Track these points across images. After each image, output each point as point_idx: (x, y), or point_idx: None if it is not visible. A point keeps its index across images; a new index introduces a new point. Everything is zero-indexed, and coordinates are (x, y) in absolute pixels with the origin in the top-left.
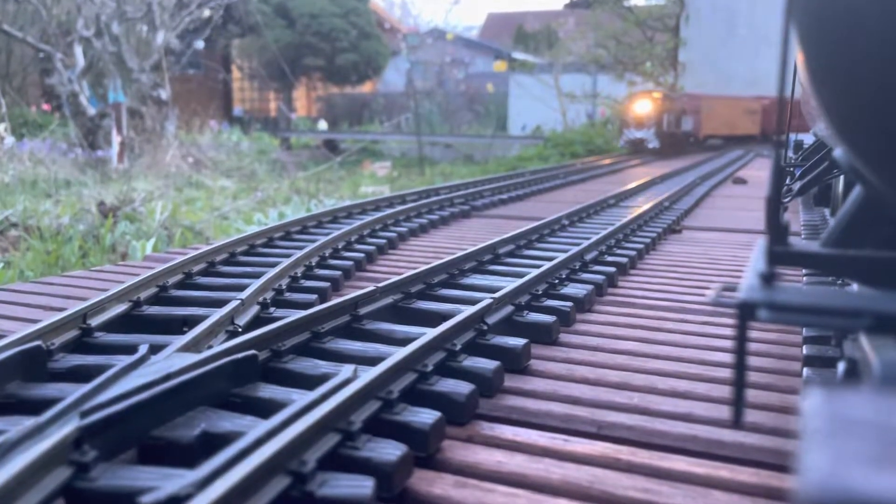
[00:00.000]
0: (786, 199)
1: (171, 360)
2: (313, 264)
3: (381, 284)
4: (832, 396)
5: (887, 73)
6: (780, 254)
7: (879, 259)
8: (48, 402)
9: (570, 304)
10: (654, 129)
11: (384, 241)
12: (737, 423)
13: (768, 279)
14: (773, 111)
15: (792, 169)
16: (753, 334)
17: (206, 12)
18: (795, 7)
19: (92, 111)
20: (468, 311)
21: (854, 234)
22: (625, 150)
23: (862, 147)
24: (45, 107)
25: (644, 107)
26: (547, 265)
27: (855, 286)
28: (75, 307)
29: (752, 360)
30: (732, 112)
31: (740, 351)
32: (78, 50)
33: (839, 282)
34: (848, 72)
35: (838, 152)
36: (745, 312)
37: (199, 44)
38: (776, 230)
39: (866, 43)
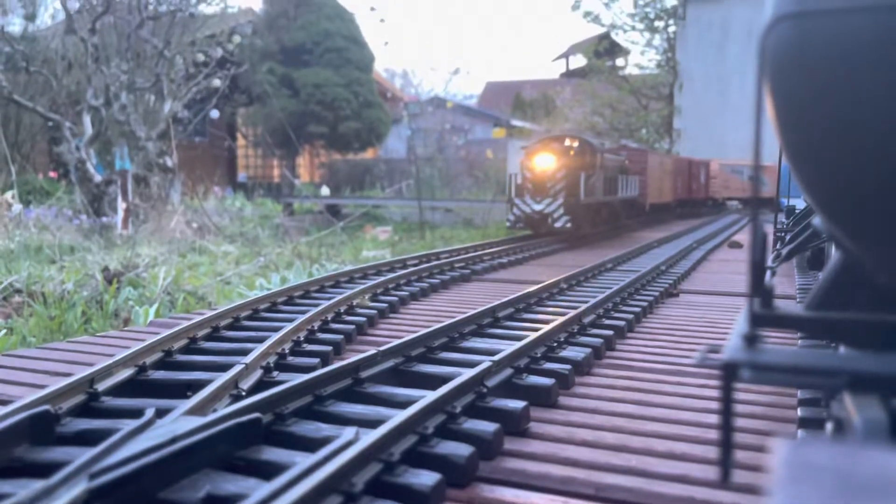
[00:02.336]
0: (774, 264)
1: (177, 423)
2: (315, 328)
3: (382, 348)
4: (797, 446)
5: (857, 148)
6: (762, 316)
7: (858, 321)
8: (56, 466)
9: (568, 366)
10: (562, 197)
11: (385, 304)
12: (724, 482)
13: (751, 341)
14: (683, 174)
15: (783, 234)
16: (749, 396)
17: (214, 82)
18: (769, 87)
19: (98, 178)
20: (468, 373)
21: (835, 296)
22: (514, 232)
23: (837, 215)
24: (52, 174)
25: (547, 162)
26: (545, 328)
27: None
28: (82, 372)
29: (748, 422)
30: (665, 174)
31: (726, 411)
32: (86, 119)
33: (832, 344)
34: (820, 147)
35: (817, 220)
36: (729, 373)
37: (214, 113)
38: (759, 293)
39: (836, 120)
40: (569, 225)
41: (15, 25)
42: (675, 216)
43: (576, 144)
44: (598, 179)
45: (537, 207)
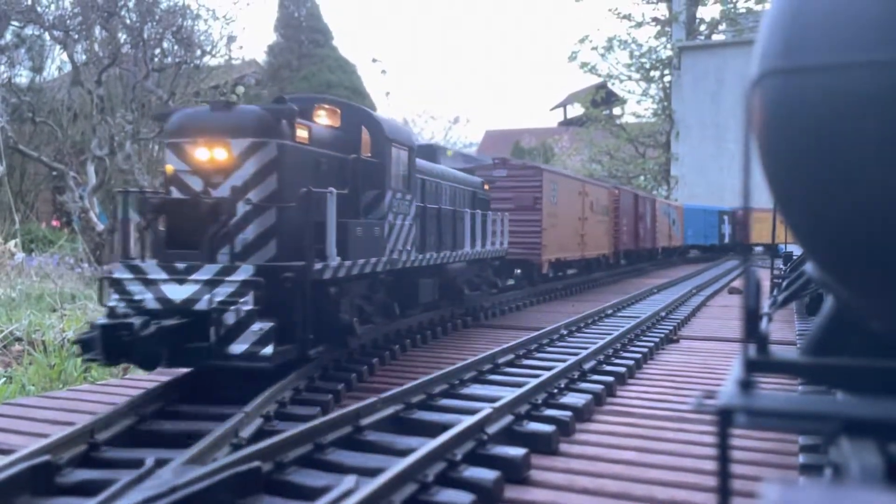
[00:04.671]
0: (770, 310)
1: (177, 472)
2: (315, 377)
3: (382, 395)
4: (784, 490)
5: (846, 199)
6: (757, 362)
7: (852, 366)
8: None
9: (569, 413)
10: (255, 262)
11: (386, 352)
12: None
13: (746, 386)
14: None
15: (780, 280)
16: (751, 443)
17: None
18: (757, 140)
19: (101, 227)
20: (468, 421)
21: (829, 342)
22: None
23: (828, 263)
24: (55, 223)
25: (216, 160)
26: (546, 375)
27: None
28: (83, 421)
29: (750, 469)
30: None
31: (723, 456)
32: (90, 168)
33: (832, 389)
34: (808, 197)
35: (808, 266)
36: (725, 418)
37: None
38: (754, 339)
39: (823, 173)
40: (268, 352)
41: (22, 77)
42: (612, 278)
43: (325, 120)
44: (401, 216)
45: (176, 294)
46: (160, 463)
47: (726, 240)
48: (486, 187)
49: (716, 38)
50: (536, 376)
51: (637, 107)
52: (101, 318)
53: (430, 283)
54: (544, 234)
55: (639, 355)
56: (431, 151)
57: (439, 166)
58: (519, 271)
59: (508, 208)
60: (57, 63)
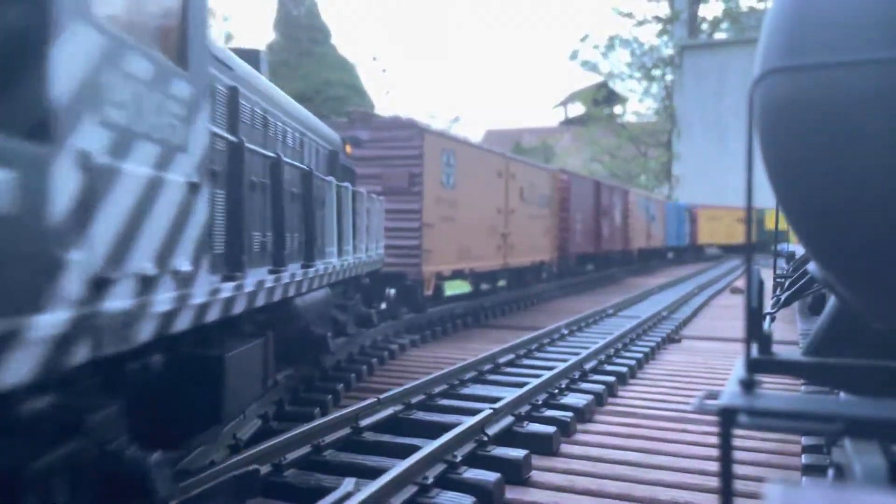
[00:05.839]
0: (773, 310)
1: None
2: (315, 376)
3: (382, 396)
4: (789, 490)
5: (848, 199)
6: (759, 362)
7: (855, 366)
8: None
9: (570, 414)
10: None
11: (385, 351)
12: None
13: (748, 386)
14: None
15: (783, 280)
16: (754, 444)
17: None
18: (760, 138)
19: None
20: (468, 421)
21: (832, 342)
22: None
23: (831, 263)
24: None
25: None
26: (547, 375)
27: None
28: None
29: (752, 470)
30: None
31: (725, 457)
32: None
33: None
34: (811, 197)
35: (811, 266)
36: (727, 418)
37: None
38: (757, 339)
39: (825, 172)
40: None
41: None
42: (556, 293)
43: None
44: (157, 149)
45: None
46: None
47: (686, 240)
48: (349, 150)
49: (718, 36)
50: (537, 376)
51: (639, 105)
52: None
53: (255, 360)
54: (428, 232)
55: (640, 355)
56: (252, 57)
57: (276, 89)
58: (393, 291)
59: (374, 192)
60: None
